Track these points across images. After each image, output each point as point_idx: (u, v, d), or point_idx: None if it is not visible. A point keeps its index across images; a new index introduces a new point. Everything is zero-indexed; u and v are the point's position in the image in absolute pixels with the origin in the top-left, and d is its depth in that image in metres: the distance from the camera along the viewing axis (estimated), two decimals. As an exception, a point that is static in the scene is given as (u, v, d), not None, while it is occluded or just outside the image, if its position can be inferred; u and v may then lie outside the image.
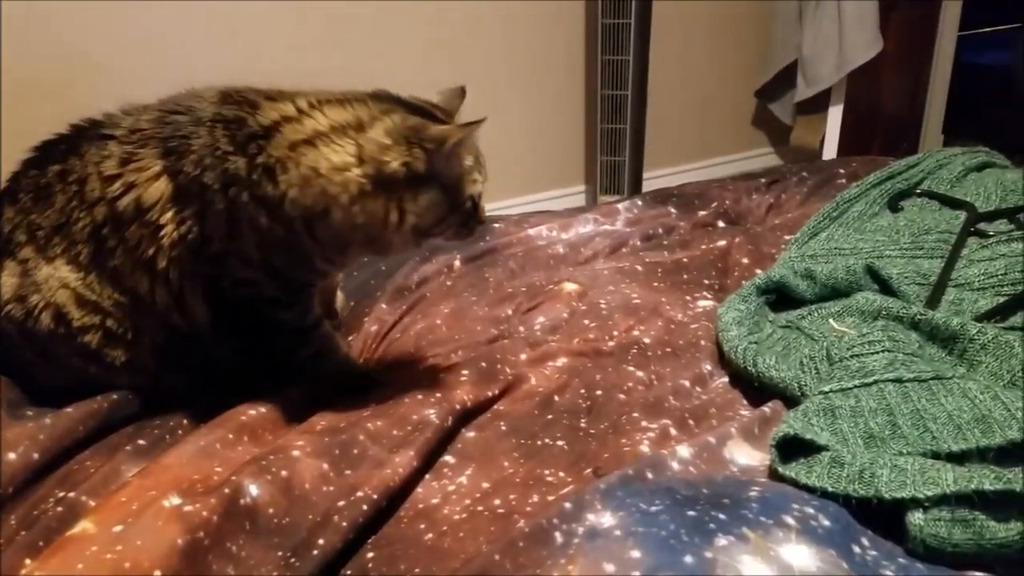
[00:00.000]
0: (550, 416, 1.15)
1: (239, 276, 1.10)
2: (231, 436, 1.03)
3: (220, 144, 1.03)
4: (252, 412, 1.08)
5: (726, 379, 1.23)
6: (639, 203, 1.80)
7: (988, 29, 4.75)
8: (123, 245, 1.07)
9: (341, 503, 0.92)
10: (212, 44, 2.38)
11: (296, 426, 1.08)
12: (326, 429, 1.05)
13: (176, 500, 0.88)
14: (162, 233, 1.05)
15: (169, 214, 1.05)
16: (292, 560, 0.85)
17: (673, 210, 1.77)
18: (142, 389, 1.14)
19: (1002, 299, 1.27)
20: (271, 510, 0.90)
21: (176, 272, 1.08)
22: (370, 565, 0.87)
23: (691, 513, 0.87)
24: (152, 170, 1.05)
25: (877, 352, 1.05)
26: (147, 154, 1.06)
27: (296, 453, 0.97)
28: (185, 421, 1.13)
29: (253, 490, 0.91)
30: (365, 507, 0.91)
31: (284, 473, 0.94)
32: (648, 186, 2.84)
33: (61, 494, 0.97)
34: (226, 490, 0.89)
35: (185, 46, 2.34)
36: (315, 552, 0.85)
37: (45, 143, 1.13)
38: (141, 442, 1.07)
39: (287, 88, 1.09)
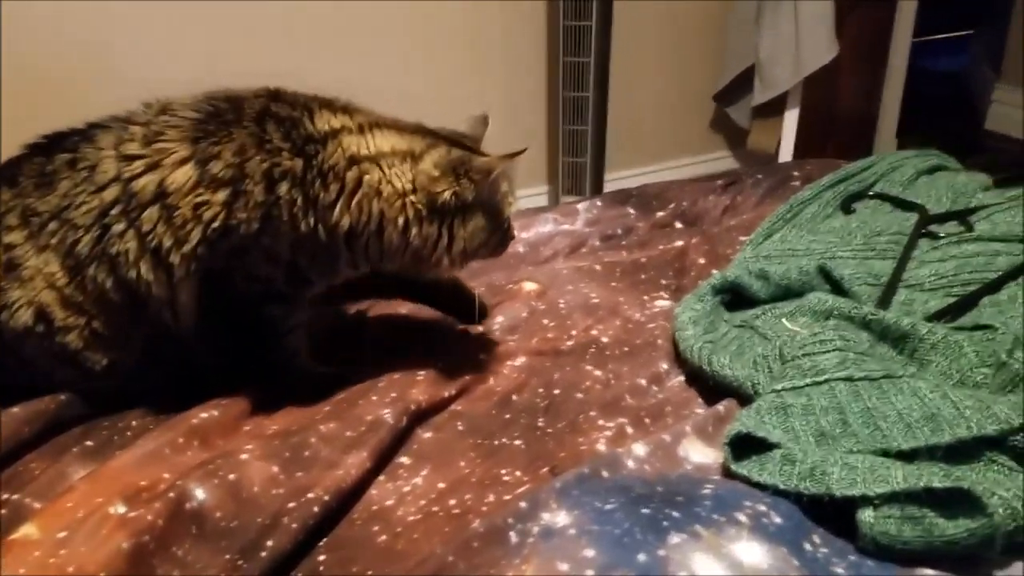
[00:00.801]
0: (508, 415, 1.15)
1: (257, 272, 1.08)
2: (181, 440, 1.02)
3: (273, 138, 1.03)
4: (204, 415, 1.06)
5: (682, 378, 1.24)
6: (599, 203, 1.81)
7: (941, 35, 4.86)
8: (134, 229, 1.03)
9: (291, 505, 0.90)
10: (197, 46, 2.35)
11: (248, 430, 1.06)
12: (278, 432, 1.04)
13: (121, 508, 0.88)
14: (182, 219, 1.03)
15: (193, 200, 1.02)
16: (240, 562, 0.84)
17: (632, 211, 1.78)
18: (107, 392, 1.12)
19: (952, 299, 1.29)
20: (218, 513, 0.89)
21: (184, 262, 1.04)
22: (322, 568, 0.87)
23: (645, 511, 0.87)
24: (179, 154, 1.04)
25: (828, 351, 1.06)
26: (175, 137, 1.04)
27: (245, 456, 0.96)
28: (135, 422, 1.11)
29: (199, 494, 0.90)
30: (316, 508, 0.90)
31: (232, 476, 0.93)
32: (610, 187, 2.85)
33: (6, 496, 0.95)
34: (171, 495, 0.88)
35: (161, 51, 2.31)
36: (263, 554, 0.84)
37: (56, 133, 1.10)
38: (89, 443, 1.05)
39: (334, 98, 1.12)
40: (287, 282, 1.10)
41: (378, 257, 1.12)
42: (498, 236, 1.16)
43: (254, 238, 1.04)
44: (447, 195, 1.08)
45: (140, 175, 1.03)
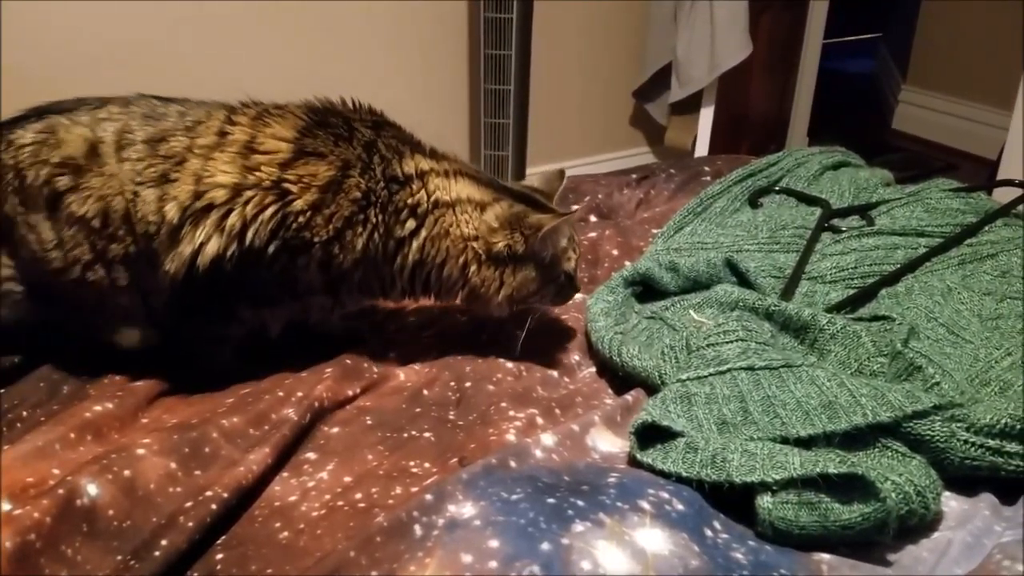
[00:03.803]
0: (418, 409, 1.14)
1: (296, 272, 1.13)
2: (72, 435, 0.98)
3: (376, 169, 1.14)
4: (98, 408, 1.02)
5: (593, 369, 1.25)
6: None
7: (850, 38, 5.03)
8: (200, 163, 1.09)
9: (188, 504, 0.88)
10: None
11: (145, 423, 1.02)
12: (177, 426, 1.01)
13: (6, 506, 0.84)
14: (263, 190, 1.09)
15: (272, 170, 1.09)
16: (132, 562, 0.81)
17: (548, 204, 1.78)
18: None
19: (852, 291, 1.34)
20: (111, 511, 0.86)
21: (230, 218, 1.08)
22: (219, 567, 0.84)
23: (551, 500, 0.87)
24: (281, 132, 1.12)
25: (731, 341, 1.08)
26: (284, 124, 1.13)
27: (141, 452, 0.92)
28: (24, 413, 1.06)
29: (92, 490, 0.86)
30: (214, 507, 0.87)
31: (127, 473, 0.89)
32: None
33: None
34: (61, 491, 0.84)
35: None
36: (157, 554, 0.81)
37: (166, 97, 1.16)
38: (-28, 439, 1.00)
39: (422, 141, 1.23)
40: (323, 289, 1.17)
41: (436, 288, 1.22)
42: (553, 288, 1.24)
43: (323, 244, 1.12)
44: (501, 245, 1.18)
45: (233, 132, 1.11)
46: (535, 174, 1.42)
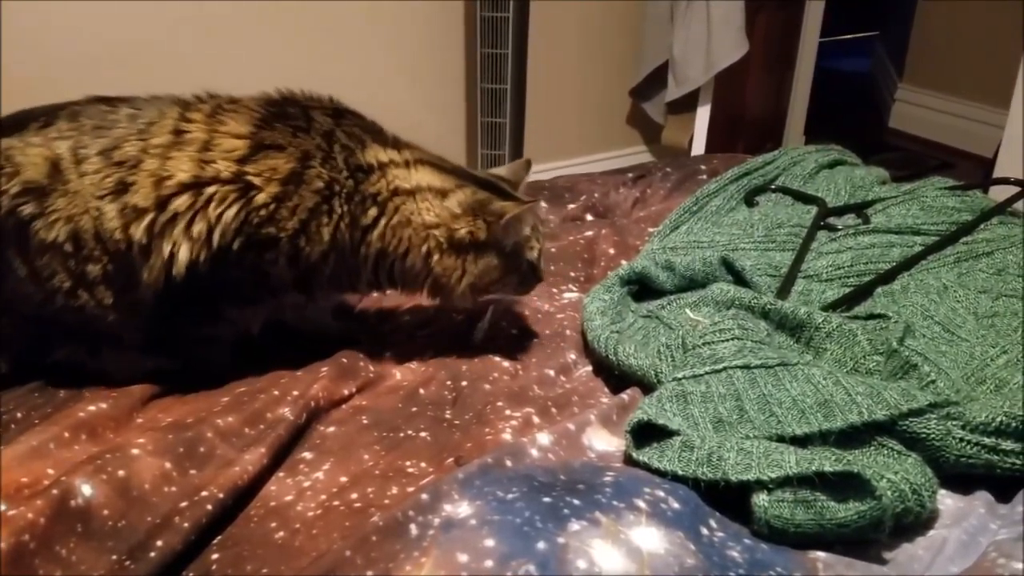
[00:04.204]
0: (414, 408, 1.13)
1: (265, 267, 1.11)
2: (67, 435, 0.98)
3: (337, 159, 1.13)
4: (92, 408, 1.02)
5: (589, 368, 1.25)
6: (511, 196, 1.81)
7: (847, 36, 5.03)
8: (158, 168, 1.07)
9: (183, 504, 0.88)
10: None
11: (140, 422, 1.02)
12: (172, 425, 1.00)
13: (1, 506, 0.83)
14: (224, 192, 1.07)
15: (230, 165, 1.08)
16: (127, 563, 0.81)
17: (544, 203, 1.79)
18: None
19: (847, 289, 1.34)
20: (106, 511, 0.85)
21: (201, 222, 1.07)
22: (214, 567, 0.84)
23: (547, 499, 0.87)
24: (237, 128, 1.10)
25: (727, 340, 1.08)
26: (239, 119, 1.11)
27: (136, 451, 0.92)
28: (19, 415, 1.06)
29: (86, 490, 0.86)
30: (210, 507, 0.87)
31: (121, 473, 0.89)
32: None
33: None
34: (55, 492, 0.84)
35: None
36: (152, 554, 0.81)
37: (121, 96, 1.14)
38: (-33, 441, 0.99)
39: (384, 130, 1.21)
40: (294, 285, 1.16)
41: (400, 279, 1.21)
42: (516, 277, 1.23)
43: (289, 237, 1.10)
44: (463, 232, 1.17)
45: (190, 130, 1.09)
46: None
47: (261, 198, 1.08)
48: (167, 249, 1.06)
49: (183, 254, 1.06)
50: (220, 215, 1.07)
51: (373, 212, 1.15)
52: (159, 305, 1.10)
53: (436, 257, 1.18)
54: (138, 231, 1.05)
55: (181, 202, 1.06)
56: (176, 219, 1.06)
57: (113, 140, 1.07)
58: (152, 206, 1.06)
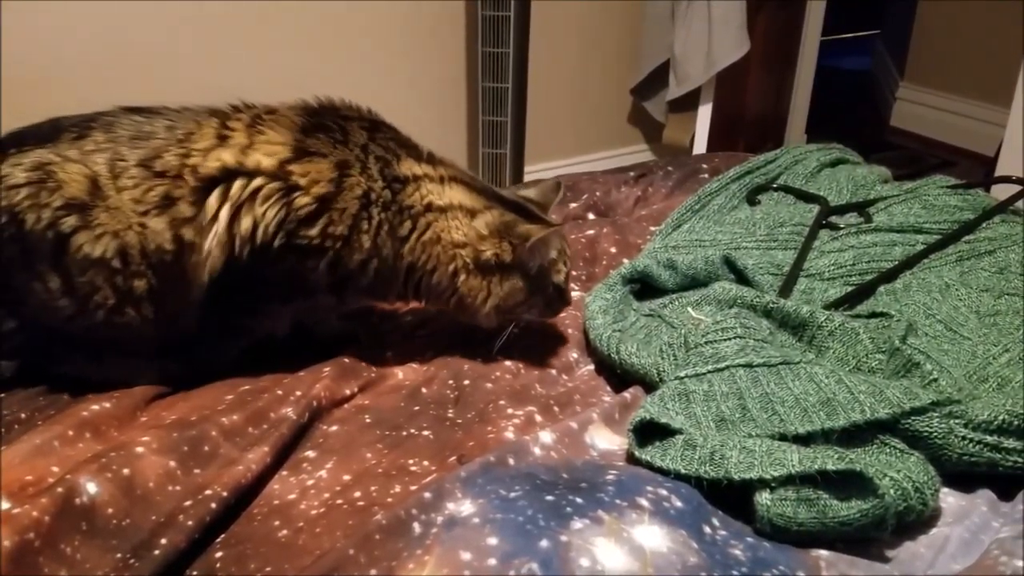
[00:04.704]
0: (416, 407, 1.14)
1: (305, 272, 1.12)
2: (71, 433, 0.98)
3: (372, 169, 1.14)
4: (95, 407, 1.02)
5: (591, 367, 1.25)
6: (512, 194, 1.81)
7: (848, 35, 5.03)
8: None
9: (188, 502, 0.88)
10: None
11: (144, 420, 1.02)
12: (176, 424, 1.00)
13: (5, 504, 0.83)
14: (269, 191, 1.08)
15: (274, 161, 1.08)
16: (131, 561, 0.81)
17: (545, 202, 1.78)
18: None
19: (850, 288, 1.34)
20: (110, 510, 0.85)
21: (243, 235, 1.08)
22: (218, 565, 0.84)
23: (549, 498, 0.87)
24: (277, 137, 1.11)
25: (729, 338, 1.08)
26: (278, 128, 1.12)
27: (140, 450, 0.92)
28: (23, 415, 1.06)
29: (91, 489, 0.86)
30: (214, 505, 0.87)
31: (126, 471, 0.89)
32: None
33: None
34: (60, 489, 0.84)
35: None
36: (156, 553, 0.81)
37: (153, 106, 1.14)
38: (-30, 440, 1.00)
39: (419, 145, 1.23)
40: (328, 289, 1.17)
41: (427, 294, 1.21)
42: (541, 299, 1.23)
43: (334, 243, 1.11)
44: (488, 254, 1.18)
45: (230, 145, 1.09)
46: (533, 181, 1.42)
47: (303, 200, 1.09)
48: (214, 238, 1.07)
49: (217, 257, 1.07)
50: (264, 212, 1.07)
51: (408, 224, 1.16)
52: (204, 305, 1.11)
53: (463, 277, 1.19)
54: (189, 231, 1.06)
55: (229, 188, 1.07)
56: (221, 208, 1.07)
57: (152, 150, 1.07)
58: (203, 188, 1.07)
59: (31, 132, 1.10)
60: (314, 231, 1.10)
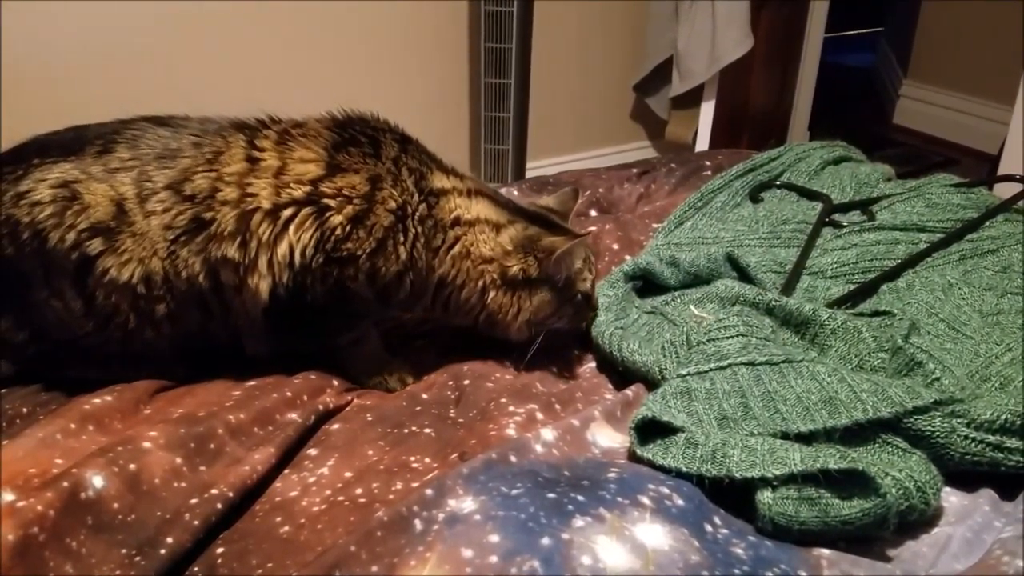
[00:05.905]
0: (418, 407, 1.14)
1: (348, 285, 1.11)
2: (73, 426, 0.98)
3: (407, 182, 1.13)
4: (97, 401, 1.03)
5: (593, 364, 1.25)
6: (515, 192, 1.80)
7: (851, 32, 5.02)
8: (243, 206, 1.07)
9: (193, 500, 0.88)
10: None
11: (148, 414, 1.03)
12: (183, 419, 1.00)
13: (9, 496, 0.83)
14: (303, 216, 1.07)
15: (306, 187, 1.08)
16: (137, 558, 0.81)
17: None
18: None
19: (853, 286, 1.34)
20: (116, 505, 0.86)
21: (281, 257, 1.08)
22: (219, 561, 0.84)
23: (551, 495, 0.87)
24: (308, 154, 1.10)
25: (732, 336, 1.08)
26: (309, 145, 1.11)
27: (147, 445, 0.92)
28: (25, 410, 1.06)
29: (97, 483, 0.86)
30: (219, 506, 0.88)
31: (132, 467, 0.89)
32: (531, 175, 2.85)
33: None
34: (65, 483, 0.84)
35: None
36: (163, 551, 0.82)
37: (177, 117, 1.13)
38: (-27, 433, 1.00)
39: (442, 160, 1.22)
40: (375, 302, 1.16)
41: (455, 310, 1.21)
42: (570, 308, 1.22)
43: (367, 256, 1.10)
44: (515, 269, 1.18)
45: (263, 159, 1.08)
46: (545, 182, 1.41)
47: (336, 219, 1.08)
48: (261, 280, 1.08)
49: (264, 285, 1.08)
50: (299, 237, 1.07)
51: (440, 237, 1.16)
52: (268, 324, 1.12)
53: (492, 294, 1.18)
54: (227, 264, 1.06)
55: (263, 228, 1.06)
56: (260, 244, 1.07)
57: (181, 172, 1.06)
58: (239, 230, 1.06)
59: (54, 141, 1.09)
60: (350, 244, 1.09)
